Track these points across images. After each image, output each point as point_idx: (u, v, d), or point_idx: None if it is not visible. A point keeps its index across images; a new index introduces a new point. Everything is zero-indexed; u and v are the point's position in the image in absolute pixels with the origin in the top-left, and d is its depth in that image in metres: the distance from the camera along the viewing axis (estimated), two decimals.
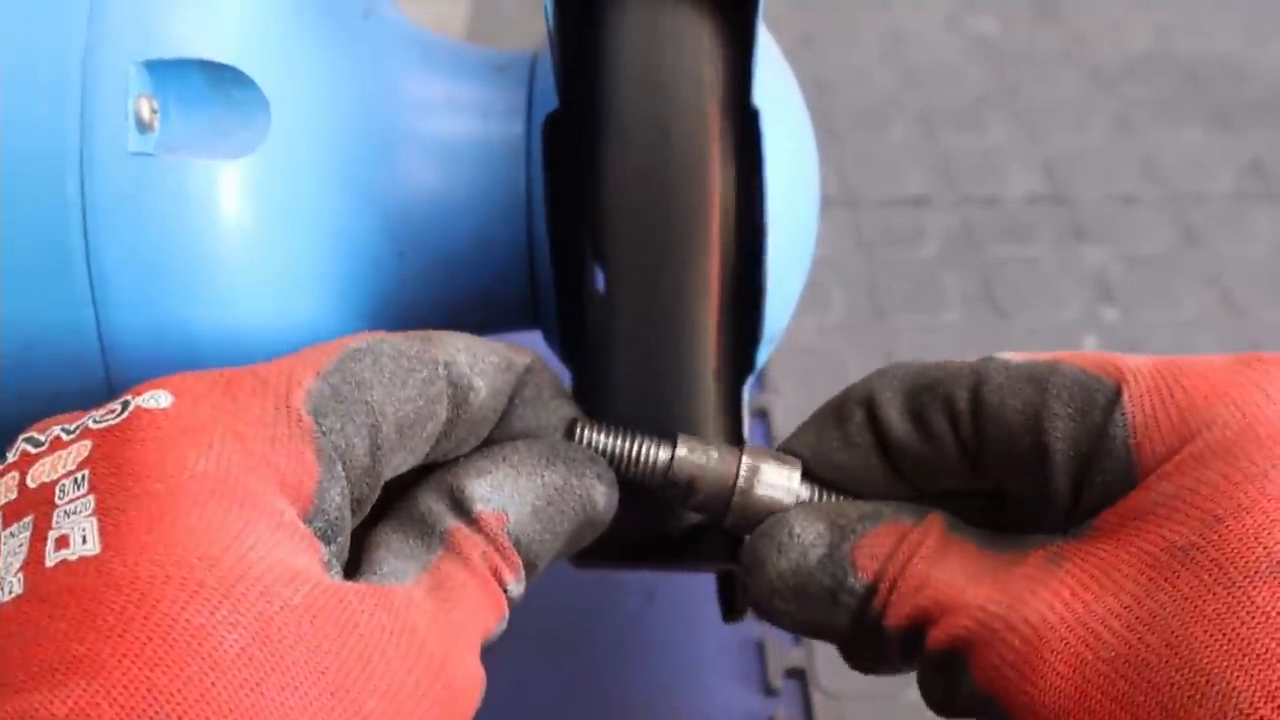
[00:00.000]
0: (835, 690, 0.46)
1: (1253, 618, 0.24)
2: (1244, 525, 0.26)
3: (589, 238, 0.33)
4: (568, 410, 0.32)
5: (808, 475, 0.32)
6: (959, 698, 0.29)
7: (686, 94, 0.32)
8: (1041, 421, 0.29)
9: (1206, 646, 0.25)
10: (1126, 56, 0.84)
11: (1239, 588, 0.25)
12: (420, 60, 0.37)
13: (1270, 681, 0.23)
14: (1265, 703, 0.23)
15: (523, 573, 0.30)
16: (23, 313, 0.31)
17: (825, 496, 0.32)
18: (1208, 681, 0.24)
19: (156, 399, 0.26)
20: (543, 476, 0.30)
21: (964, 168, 0.74)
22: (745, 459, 0.32)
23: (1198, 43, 0.85)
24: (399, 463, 0.29)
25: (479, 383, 0.30)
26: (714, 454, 0.32)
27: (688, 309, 0.32)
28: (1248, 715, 0.23)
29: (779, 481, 0.32)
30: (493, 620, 0.29)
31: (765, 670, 0.47)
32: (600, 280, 0.33)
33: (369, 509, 0.29)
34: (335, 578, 0.26)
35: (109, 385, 0.32)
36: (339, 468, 0.27)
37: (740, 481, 0.31)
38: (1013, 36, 0.86)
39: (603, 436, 0.32)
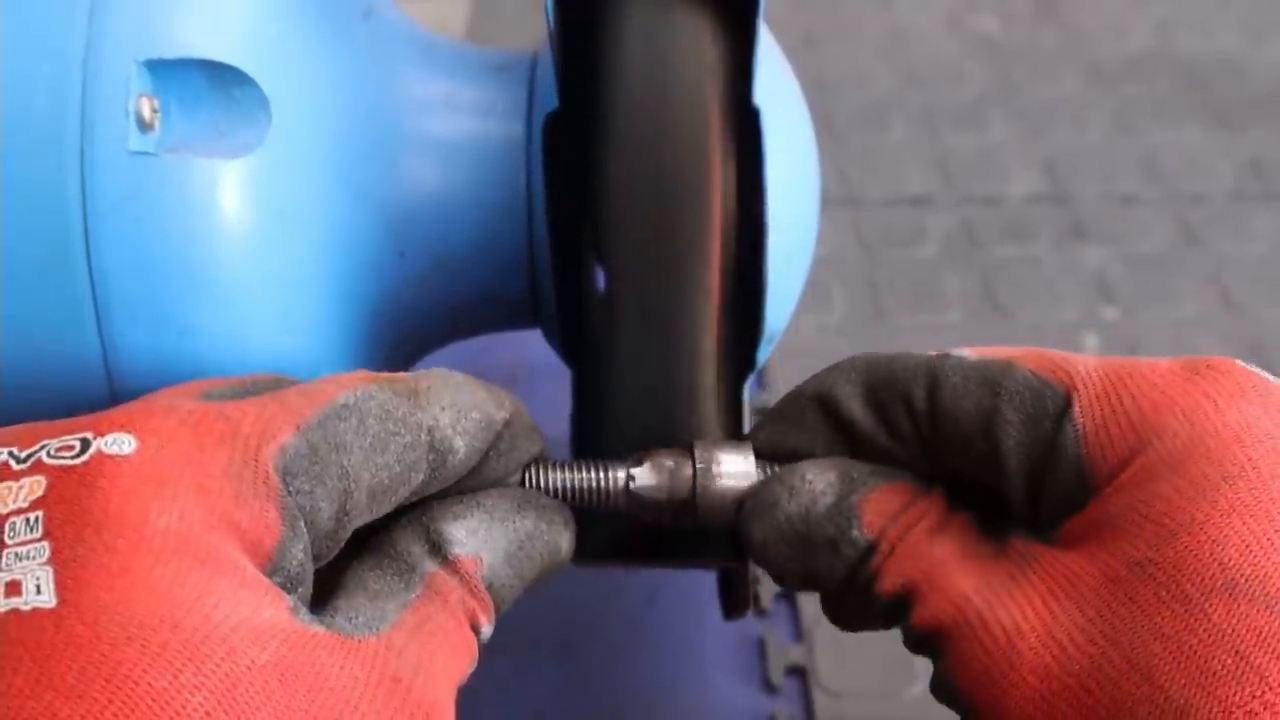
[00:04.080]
0: (836, 688, 0.46)
1: (1209, 634, 0.25)
2: (1198, 540, 0.26)
3: (589, 237, 0.33)
4: (532, 452, 0.32)
5: (762, 456, 0.32)
6: (934, 677, 0.29)
7: (687, 93, 0.32)
8: (994, 427, 0.29)
9: (1165, 663, 0.25)
10: (1126, 55, 0.84)
11: (1195, 604, 0.25)
12: (420, 60, 0.37)
13: (1226, 698, 0.24)
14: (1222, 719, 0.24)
15: (494, 615, 0.30)
16: (23, 312, 0.31)
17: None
18: (1166, 699, 0.24)
19: (119, 444, 0.25)
20: (514, 522, 0.30)
21: (964, 167, 0.74)
22: (698, 452, 0.32)
23: (1198, 42, 0.85)
24: (364, 521, 0.29)
25: (459, 443, 0.29)
26: (667, 460, 0.32)
27: (688, 308, 0.32)
28: None
29: (736, 468, 0.32)
30: (467, 663, 0.29)
31: (766, 668, 0.47)
32: (601, 280, 0.33)
33: (332, 558, 0.28)
34: (305, 620, 0.25)
35: (110, 384, 0.32)
36: (302, 526, 0.27)
37: (699, 477, 0.31)
38: (1013, 35, 0.86)
39: (557, 474, 0.32)
